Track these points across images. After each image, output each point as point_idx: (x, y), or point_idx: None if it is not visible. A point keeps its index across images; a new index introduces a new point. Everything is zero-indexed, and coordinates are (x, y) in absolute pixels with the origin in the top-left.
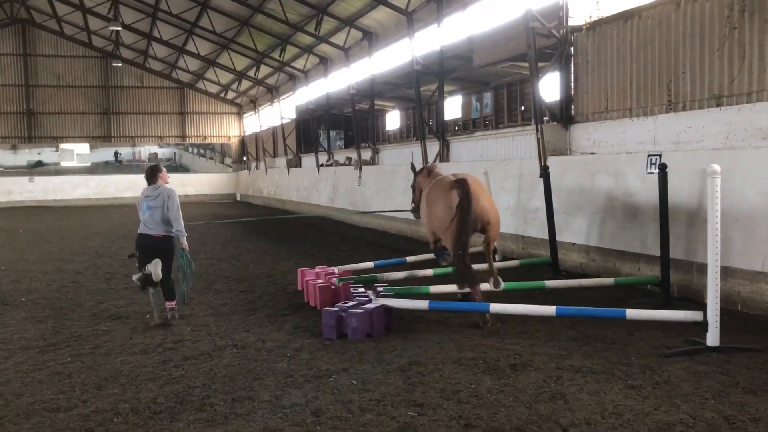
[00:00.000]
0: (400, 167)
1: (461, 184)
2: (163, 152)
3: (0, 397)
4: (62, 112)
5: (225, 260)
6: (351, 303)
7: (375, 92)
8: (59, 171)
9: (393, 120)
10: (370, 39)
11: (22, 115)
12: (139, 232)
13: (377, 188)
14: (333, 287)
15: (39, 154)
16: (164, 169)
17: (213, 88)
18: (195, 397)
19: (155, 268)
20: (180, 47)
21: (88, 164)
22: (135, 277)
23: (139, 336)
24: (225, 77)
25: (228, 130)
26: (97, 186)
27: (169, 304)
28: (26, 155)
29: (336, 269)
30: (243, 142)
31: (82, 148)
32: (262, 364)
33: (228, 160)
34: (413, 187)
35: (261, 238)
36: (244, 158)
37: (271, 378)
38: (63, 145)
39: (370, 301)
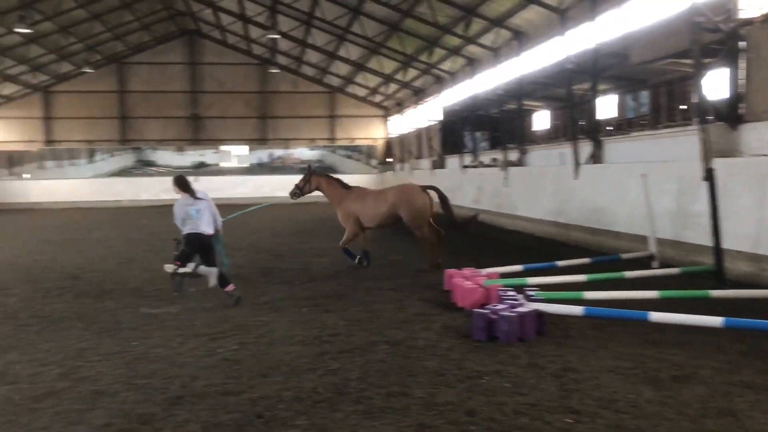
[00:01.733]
0: (548, 169)
1: None
2: (312, 154)
3: (178, 378)
4: (224, 116)
5: (374, 259)
6: (501, 306)
7: (523, 92)
8: (220, 171)
9: (541, 120)
10: (520, 38)
11: (188, 120)
12: (190, 232)
13: (524, 190)
14: (481, 289)
15: (202, 155)
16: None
17: (361, 92)
18: (352, 389)
19: (212, 277)
20: (332, 53)
21: (246, 165)
22: (179, 271)
23: (297, 327)
24: (373, 81)
25: (374, 132)
26: (254, 185)
27: (229, 289)
28: (191, 156)
29: (484, 271)
30: (388, 144)
31: (241, 149)
32: (414, 361)
33: (373, 162)
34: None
35: (405, 238)
36: (389, 160)
37: (423, 376)
38: (223, 147)
39: (521, 304)
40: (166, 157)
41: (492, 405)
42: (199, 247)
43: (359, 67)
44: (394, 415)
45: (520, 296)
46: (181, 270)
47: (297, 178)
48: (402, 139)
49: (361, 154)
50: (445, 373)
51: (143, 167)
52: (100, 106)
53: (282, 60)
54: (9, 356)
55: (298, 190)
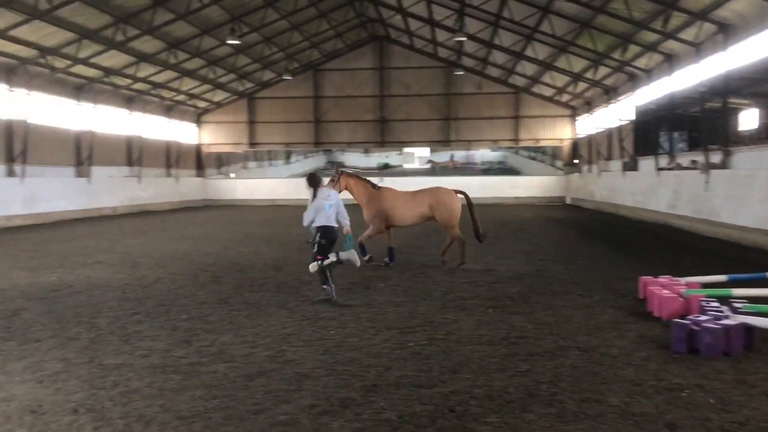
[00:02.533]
0: (758, 172)
1: None
2: (493, 155)
3: (374, 368)
4: (408, 119)
5: (558, 263)
6: (704, 317)
7: (729, 89)
8: (403, 172)
9: (748, 119)
10: (726, 32)
11: (376, 123)
12: (323, 225)
13: (728, 195)
14: (681, 299)
15: (386, 157)
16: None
17: (547, 92)
18: (543, 392)
19: (354, 257)
20: (518, 53)
21: (428, 166)
22: (325, 263)
23: (484, 327)
24: (560, 80)
25: (560, 132)
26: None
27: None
28: (376, 158)
29: (683, 280)
30: (575, 144)
31: (423, 151)
32: (608, 369)
33: (558, 163)
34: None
35: (595, 243)
36: (576, 161)
37: (618, 384)
38: (407, 149)
39: (726, 316)
40: (354, 158)
41: (695, 420)
42: (333, 240)
43: (546, 66)
44: (589, 422)
45: (725, 308)
46: (326, 262)
47: (474, 180)
48: (591, 140)
49: (546, 155)
50: (641, 383)
51: (333, 168)
52: (297, 110)
53: (467, 62)
54: (224, 338)
55: None
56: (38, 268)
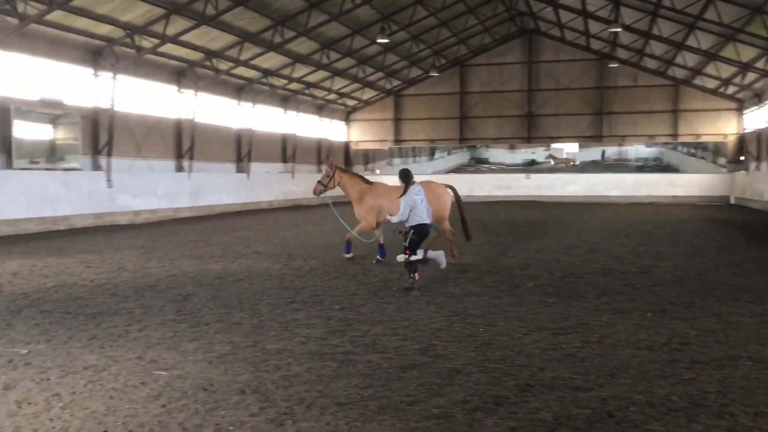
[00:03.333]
0: None
1: None
2: (648, 151)
3: (526, 368)
4: (557, 113)
5: (723, 266)
6: None
7: None
8: (551, 169)
9: None
10: None
11: (523, 118)
12: (417, 223)
13: None
14: None
15: (533, 153)
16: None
17: (710, 84)
18: (711, 402)
19: (441, 258)
20: (679, 43)
21: (577, 163)
22: (412, 258)
23: (643, 332)
24: (726, 71)
25: (723, 127)
26: (586, 184)
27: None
28: (521, 155)
29: None
30: (741, 140)
31: (571, 147)
32: None
33: (721, 160)
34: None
35: (764, 246)
36: (742, 158)
37: None
38: (554, 145)
39: None
40: (498, 155)
41: None
42: (423, 235)
43: (711, 56)
44: None
45: None
46: (413, 258)
47: (629, 177)
48: (759, 135)
49: (707, 151)
50: None
51: (476, 165)
52: (442, 107)
53: (622, 53)
54: (376, 329)
55: (323, 187)
56: (204, 257)
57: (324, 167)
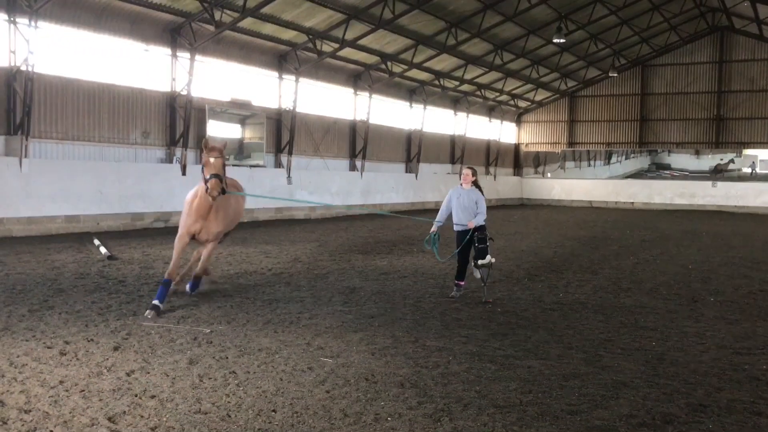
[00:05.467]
0: None
1: None
2: None
3: (701, 387)
4: (751, 117)
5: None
6: None
7: None
8: (741, 177)
9: None
10: None
11: (711, 121)
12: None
13: None
14: None
15: (721, 159)
16: (464, 170)
17: None
18: None
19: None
20: None
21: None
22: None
23: None
24: None
25: None
26: None
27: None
28: (708, 161)
29: None
30: None
31: (766, 154)
32: None
33: None
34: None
35: None
36: None
37: None
38: (746, 151)
39: None
40: (682, 160)
41: None
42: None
43: None
44: None
45: None
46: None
47: None
48: None
49: None
50: None
51: (657, 170)
52: (620, 108)
53: None
54: (538, 335)
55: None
56: (371, 253)
57: (491, 168)
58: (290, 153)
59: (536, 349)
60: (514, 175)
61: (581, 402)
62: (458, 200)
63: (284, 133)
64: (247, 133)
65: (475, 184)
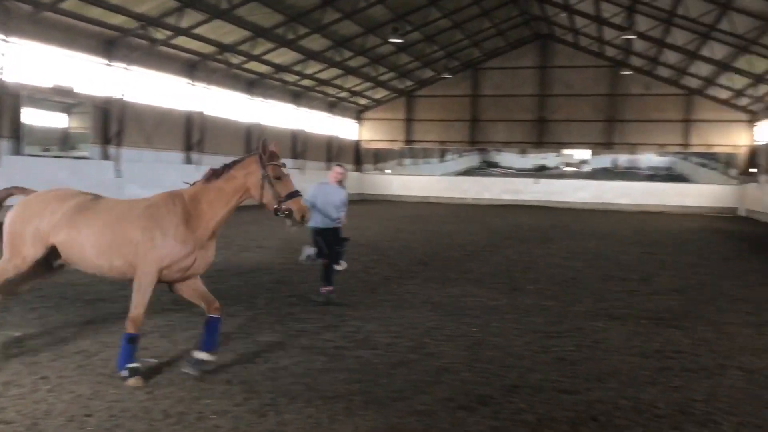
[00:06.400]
0: None
1: None
2: (660, 161)
3: (515, 369)
4: (569, 119)
5: (727, 278)
6: None
7: None
8: (560, 175)
9: None
10: None
11: (534, 123)
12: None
13: None
14: None
15: (543, 158)
16: (336, 168)
17: (723, 94)
18: (696, 410)
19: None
20: (692, 52)
21: (588, 170)
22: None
23: (636, 339)
24: (739, 82)
25: (735, 138)
26: (595, 191)
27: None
28: (532, 159)
29: None
30: (754, 152)
31: (582, 154)
32: None
33: (732, 172)
34: None
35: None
36: (753, 170)
37: None
38: (565, 151)
39: None
40: (509, 159)
41: None
42: None
43: (724, 66)
44: None
45: None
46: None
47: (638, 185)
48: None
49: (718, 162)
50: None
51: (487, 168)
52: (454, 109)
53: (635, 61)
54: (369, 326)
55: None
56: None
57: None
58: (119, 144)
59: (367, 339)
60: (355, 171)
61: (406, 388)
62: (327, 197)
63: (113, 124)
64: (74, 123)
65: (341, 183)
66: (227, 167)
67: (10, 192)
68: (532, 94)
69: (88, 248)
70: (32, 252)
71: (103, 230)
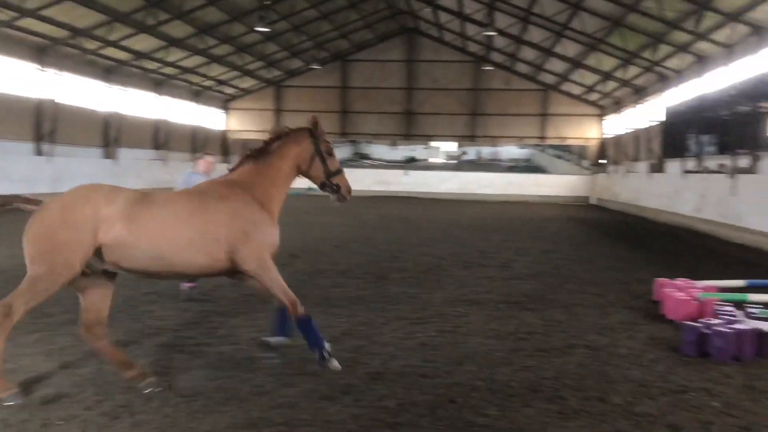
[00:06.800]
0: None
1: None
2: (520, 153)
3: (379, 357)
4: (435, 112)
5: (578, 262)
6: (716, 321)
7: (761, 93)
8: (429, 167)
9: None
10: (760, 34)
11: (402, 115)
12: None
13: (756, 201)
14: (695, 302)
15: (412, 150)
16: (206, 157)
17: (576, 90)
18: (546, 387)
19: None
20: (548, 49)
21: (454, 161)
22: None
23: (494, 322)
24: (590, 78)
25: (587, 131)
26: (461, 182)
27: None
28: (402, 151)
29: (699, 283)
30: (602, 144)
31: (449, 146)
32: (614, 369)
33: (584, 163)
34: None
35: (616, 244)
36: (602, 161)
37: (623, 384)
38: (433, 143)
39: (739, 321)
40: (380, 150)
41: (697, 423)
42: None
43: (576, 64)
44: (589, 419)
45: (739, 313)
46: None
47: (500, 176)
48: (618, 140)
49: (573, 154)
50: (647, 384)
51: (359, 159)
52: (324, 100)
53: (496, 57)
54: (233, 321)
55: None
56: None
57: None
58: None
59: (230, 335)
60: (223, 162)
61: (268, 382)
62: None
63: None
64: None
65: (209, 173)
66: (268, 145)
67: (10, 201)
68: (400, 87)
69: (162, 245)
70: (80, 256)
71: (179, 225)
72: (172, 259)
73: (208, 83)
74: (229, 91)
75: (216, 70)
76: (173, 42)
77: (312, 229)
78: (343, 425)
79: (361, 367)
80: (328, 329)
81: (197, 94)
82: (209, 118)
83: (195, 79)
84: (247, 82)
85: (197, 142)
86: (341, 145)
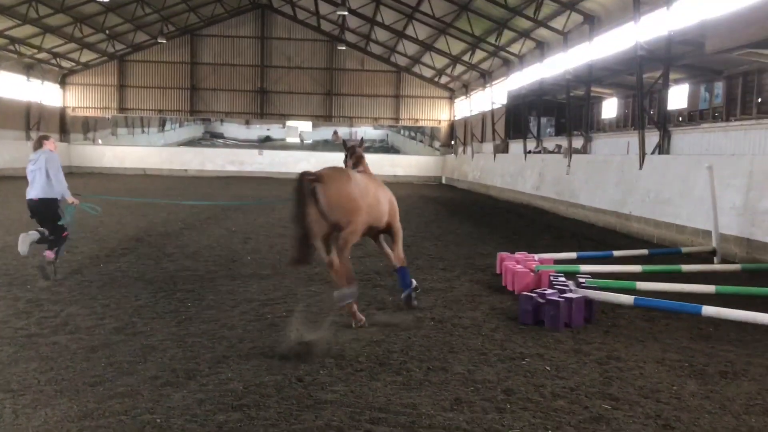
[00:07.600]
0: (613, 158)
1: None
2: (376, 133)
3: (226, 340)
4: (290, 91)
5: (428, 239)
6: (550, 291)
7: (593, 78)
8: (284, 146)
9: (609, 108)
10: (592, 23)
11: (256, 93)
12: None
13: (587, 178)
14: (532, 274)
15: (268, 130)
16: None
17: (427, 73)
18: (393, 361)
19: (22, 244)
20: (400, 32)
21: (310, 141)
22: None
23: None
24: (440, 62)
25: (439, 113)
26: (317, 162)
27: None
28: (257, 131)
29: (536, 256)
30: (452, 126)
31: (305, 126)
32: (458, 339)
33: (436, 144)
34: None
35: (464, 221)
36: (452, 142)
37: (465, 353)
38: (289, 123)
39: (570, 290)
40: (234, 130)
41: (530, 386)
42: (34, 215)
43: (427, 47)
44: (432, 388)
45: (570, 282)
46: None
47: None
48: (466, 122)
49: (425, 135)
50: (487, 352)
51: (211, 139)
52: (172, 76)
53: (350, 37)
54: (71, 309)
55: None
56: None
57: (32, 133)
58: None
59: (65, 323)
60: (61, 141)
61: (107, 372)
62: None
63: None
64: None
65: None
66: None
67: None
68: (253, 64)
69: (383, 208)
70: (366, 219)
71: (382, 196)
72: (383, 218)
73: (41, 56)
74: (67, 64)
75: (51, 41)
76: (0, 9)
77: (158, 210)
78: (188, 410)
79: (207, 351)
80: (172, 314)
81: (29, 67)
82: (45, 93)
83: (26, 50)
84: (87, 56)
85: (31, 118)
86: (192, 124)
